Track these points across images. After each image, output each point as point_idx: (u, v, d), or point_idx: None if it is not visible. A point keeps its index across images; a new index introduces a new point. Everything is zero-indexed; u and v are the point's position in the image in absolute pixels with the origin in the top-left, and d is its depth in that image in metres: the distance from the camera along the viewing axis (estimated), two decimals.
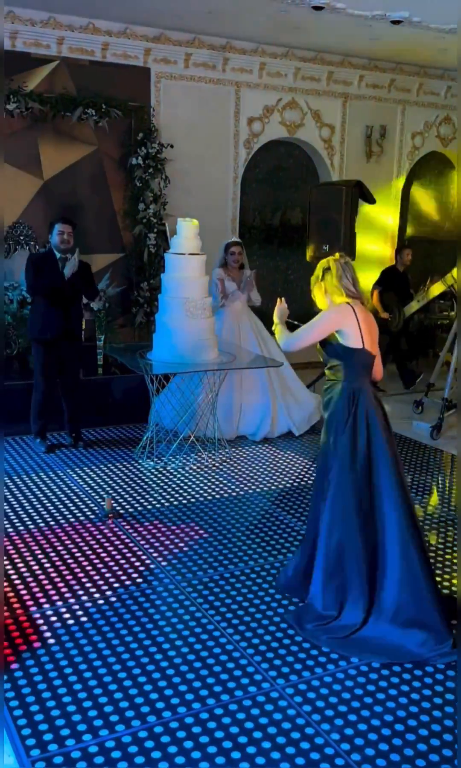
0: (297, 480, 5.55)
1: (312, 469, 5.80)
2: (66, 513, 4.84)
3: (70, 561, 4.18)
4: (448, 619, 3.41)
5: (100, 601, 3.75)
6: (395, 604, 3.38)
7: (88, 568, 4.10)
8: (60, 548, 4.33)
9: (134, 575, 4.04)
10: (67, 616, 3.61)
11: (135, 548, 4.36)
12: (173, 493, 5.25)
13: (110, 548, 4.35)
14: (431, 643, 3.32)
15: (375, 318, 3.61)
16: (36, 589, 3.85)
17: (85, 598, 3.78)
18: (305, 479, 5.56)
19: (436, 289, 7.93)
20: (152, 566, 4.15)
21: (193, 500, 5.12)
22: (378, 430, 3.47)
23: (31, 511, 4.86)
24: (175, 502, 5.06)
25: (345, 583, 3.46)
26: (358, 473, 3.44)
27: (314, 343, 3.56)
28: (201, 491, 5.29)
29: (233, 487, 5.38)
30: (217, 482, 5.47)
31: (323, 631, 3.43)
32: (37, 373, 5.94)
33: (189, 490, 5.31)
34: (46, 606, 3.70)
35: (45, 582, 3.93)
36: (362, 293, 3.54)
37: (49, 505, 4.97)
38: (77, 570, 4.07)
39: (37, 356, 5.91)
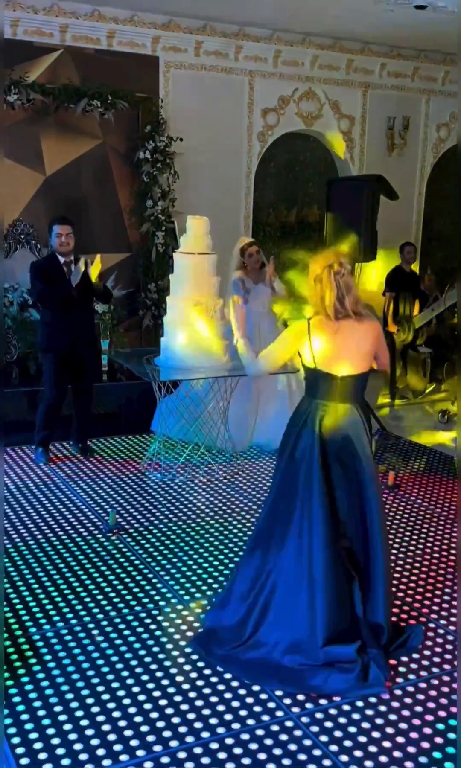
0: None
1: None
2: (68, 528, 4.85)
3: (71, 579, 4.18)
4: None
5: (104, 623, 3.75)
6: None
7: (91, 586, 4.11)
8: (61, 565, 4.34)
9: (140, 594, 4.04)
10: (68, 637, 3.61)
11: (141, 566, 4.36)
12: (181, 507, 5.25)
13: (114, 566, 4.35)
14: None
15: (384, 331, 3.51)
16: (36, 609, 3.86)
17: (87, 618, 3.78)
18: None
19: (450, 298, 7.85)
20: (158, 585, 4.15)
21: (202, 515, 5.11)
22: (315, 458, 3.36)
23: (30, 525, 4.87)
24: (183, 517, 5.06)
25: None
26: (290, 498, 3.41)
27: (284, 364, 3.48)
28: (211, 506, 5.28)
29: (245, 501, 5.38)
30: (228, 496, 5.46)
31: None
32: (47, 382, 5.92)
33: (198, 504, 5.31)
34: (47, 627, 3.70)
35: (45, 601, 3.94)
36: (353, 306, 3.30)
37: (50, 519, 4.98)
38: (79, 588, 4.08)
39: (48, 365, 5.90)
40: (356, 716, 3.12)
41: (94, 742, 2.93)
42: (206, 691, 3.24)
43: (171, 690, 3.24)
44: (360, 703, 3.19)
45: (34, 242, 7.24)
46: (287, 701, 3.19)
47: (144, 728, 3.01)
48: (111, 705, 3.14)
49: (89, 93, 7.20)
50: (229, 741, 2.95)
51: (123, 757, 2.86)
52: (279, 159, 8.93)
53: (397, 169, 9.23)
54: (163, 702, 3.16)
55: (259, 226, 8.82)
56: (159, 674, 3.35)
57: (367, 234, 7.09)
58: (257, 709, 3.14)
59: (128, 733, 2.99)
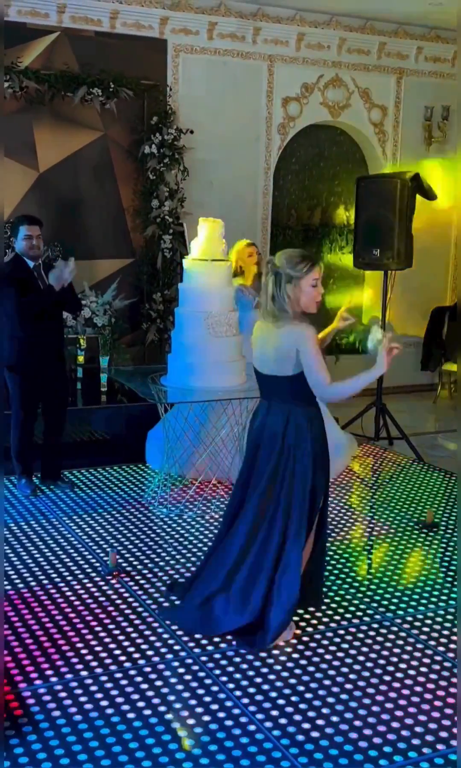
0: (336, 531, 5.54)
1: (351, 518, 5.79)
2: (62, 570, 4.88)
3: (67, 628, 4.20)
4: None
5: (103, 677, 3.76)
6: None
7: (89, 636, 4.12)
8: (55, 612, 4.36)
9: (144, 646, 4.04)
10: (63, 694, 3.62)
11: (144, 613, 4.37)
12: (190, 546, 5.26)
13: (115, 613, 4.37)
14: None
15: None
16: (26, 662, 3.87)
17: (84, 672, 3.80)
18: (344, 530, 5.56)
19: None
20: (164, 635, 4.15)
21: None
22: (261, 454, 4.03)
23: (19, 566, 4.90)
24: (192, 558, 5.08)
25: None
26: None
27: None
28: None
29: None
30: None
31: None
32: (15, 404, 5.96)
33: (209, 543, 5.32)
34: (39, 682, 3.72)
35: (37, 653, 3.95)
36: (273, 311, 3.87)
37: (41, 559, 5.01)
38: (75, 638, 4.09)
39: (15, 385, 5.92)
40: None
41: None
42: (220, 757, 3.25)
43: (180, 756, 3.24)
44: (384, 761, 3.20)
45: None
46: (304, 760, 3.20)
47: None
48: None
49: (89, 80, 7.34)
50: None
51: None
52: (302, 154, 9.03)
53: (436, 164, 9.30)
54: None
55: (278, 229, 8.91)
56: (166, 738, 3.35)
57: (401, 238, 7.14)
58: None
59: None
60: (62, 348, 6.19)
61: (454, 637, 4.20)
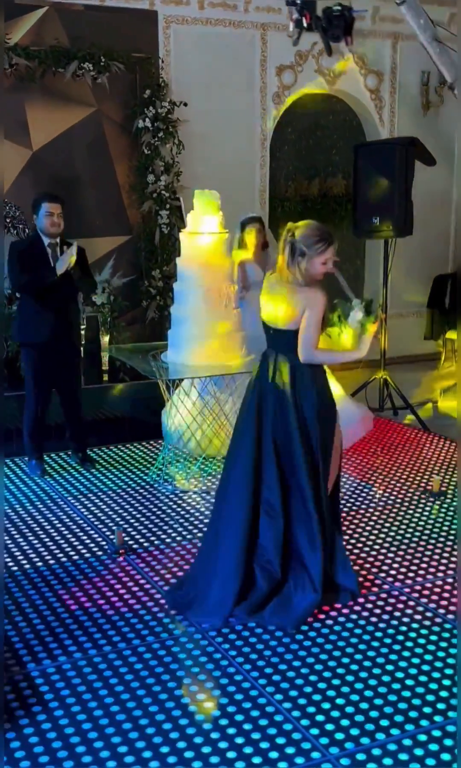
0: (343, 501, 5.53)
1: (358, 489, 5.78)
2: (68, 549, 4.88)
3: (74, 607, 4.20)
4: None
5: (112, 655, 3.76)
6: None
7: (96, 614, 4.12)
8: (62, 591, 4.36)
9: (151, 622, 4.05)
10: (72, 673, 3.62)
11: (152, 590, 4.37)
12: (196, 522, 5.26)
13: (122, 590, 4.37)
14: None
15: None
16: (34, 642, 3.88)
17: (93, 651, 3.80)
18: (351, 500, 5.55)
19: None
20: (172, 611, 4.15)
21: None
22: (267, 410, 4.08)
23: (25, 547, 4.90)
24: (198, 534, 5.07)
25: None
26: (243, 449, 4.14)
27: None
28: None
29: None
30: None
31: None
32: (29, 383, 5.99)
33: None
34: (47, 662, 3.72)
35: (45, 633, 3.96)
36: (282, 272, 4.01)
37: (47, 539, 5.01)
38: (83, 617, 4.09)
39: (28, 363, 5.97)
40: (403, 756, 3.11)
41: None
42: (231, 731, 3.24)
43: (191, 731, 3.24)
44: (408, 741, 3.18)
45: (22, 226, 7.28)
46: (325, 740, 3.18)
47: None
48: (122, 749, 3.14)
49: (80, 55, 7.24)
50: None
51: None
52: (298, 123, 8.93)
53: (433, 130, 9.21)
54: (181, 745, 3.16)
55: (276, 201, 8.84)
56: (176, 713, 3.35)
57: (401, 206, 7.07)
58: (289, 750, 3.13)
59: None
60: (76, 328, 6.18)
61: None
